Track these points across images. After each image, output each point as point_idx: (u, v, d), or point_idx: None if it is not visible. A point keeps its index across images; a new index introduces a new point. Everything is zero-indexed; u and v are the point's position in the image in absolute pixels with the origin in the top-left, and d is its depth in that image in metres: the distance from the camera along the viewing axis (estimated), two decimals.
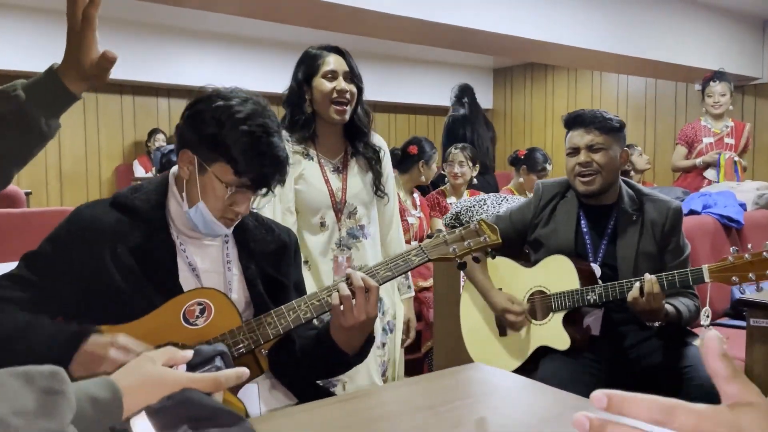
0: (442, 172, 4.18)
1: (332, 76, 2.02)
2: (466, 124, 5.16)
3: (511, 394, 1.06)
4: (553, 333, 2.09)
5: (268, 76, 5.31)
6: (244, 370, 0.90)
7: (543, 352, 2.10)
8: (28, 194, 4.26)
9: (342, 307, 1.27)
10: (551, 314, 2.10)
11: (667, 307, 1.93)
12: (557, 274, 2.09)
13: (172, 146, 5.11)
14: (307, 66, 2.06)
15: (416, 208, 3.69)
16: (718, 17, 5.95)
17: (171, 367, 0.85)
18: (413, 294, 2.38)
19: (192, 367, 0.88)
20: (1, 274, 1.33)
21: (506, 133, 8.81)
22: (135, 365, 0.85)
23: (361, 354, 1.40)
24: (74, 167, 6.37)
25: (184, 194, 1.36)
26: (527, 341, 2.16)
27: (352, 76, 2.06)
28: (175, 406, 0.67)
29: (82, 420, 0.69)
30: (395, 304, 2.27)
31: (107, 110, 6.67)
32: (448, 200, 3.82)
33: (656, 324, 1.96)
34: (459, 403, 0.99)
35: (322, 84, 2.02)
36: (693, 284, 1.90)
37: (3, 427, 0.59)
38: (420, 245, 1.36)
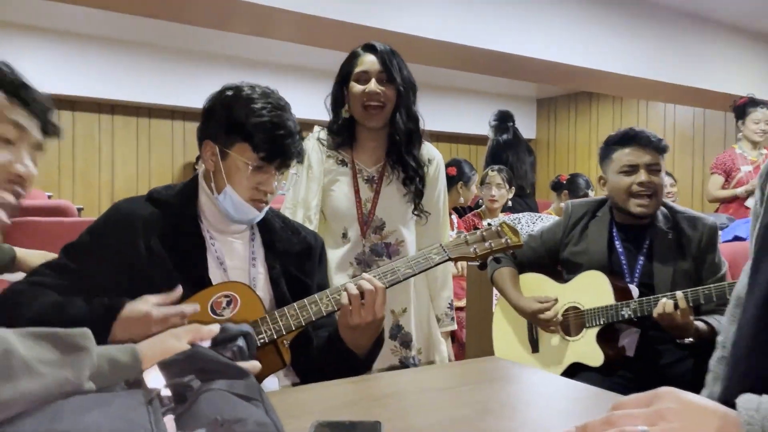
0: (479, 197, 4.17)
1: (364, 78, 1.91)
2: (510, 149, 5.18)
3: (524, 381, 1.06)
4: (586, 349, 2.06)
5: (312, 102, 5.44)
6: (256, 363, 0.94)
7: (576, 368, 2.07)
8: (80, 209, 4.44)
9: (350, 307, 1.29)
10: (584, 330, 2.07)
11: (699, 324, 1.89)
12: (591, 289, 2.06)
13: None
14: (343, 68, 1.96)
15: (453, 230, 3.69)
16: (765, 45, 5.83)
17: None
18: (455, 327, 2.14)
19: (216, 343, 0.92)
20: None
21: (549, 163, 8.75)
22: (159, 339, 0.90)
23: (370, 356, 1.41)
24: (126, 187, 6.61)
25: (212, 185, 1.42)
26: (560, 357, 2.13)
27: (389, 78, 1.90)
28: (185, 360, 0.70)
29: (100, 377, 0.73)
30: (428, 341, 2.06)
31: (159, 134, 6.93)
32: (484, 222, 3.82)
33: (687, 340, 1.91)
34: (470, 386, 0.99)
35: (353, 87, 1.92)
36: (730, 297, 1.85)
37: (29, 370, 0.64)
38: (441, 244, 1.37)
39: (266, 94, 1.40)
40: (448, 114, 8.14)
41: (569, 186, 4.15)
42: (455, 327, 2.13)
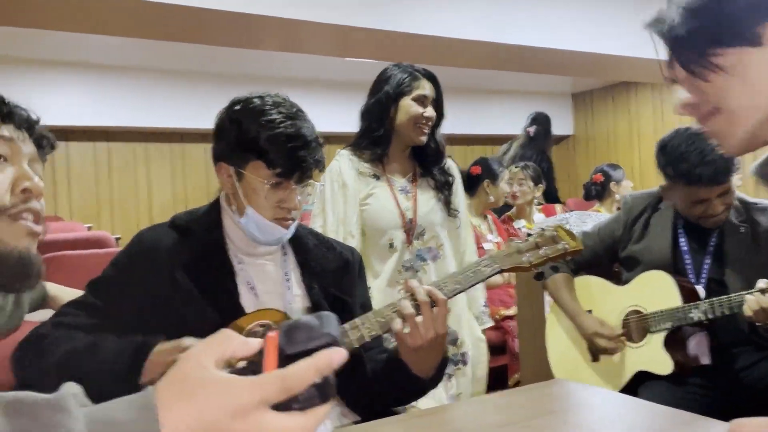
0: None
1: (423, 101, 2.03)
2: (536, 148, 5.03)
3: (599, 410, 0.92)
4: (652, 356, 1.89)
5: (343, 117, 5.39)
6: (341, 352, 0.57)
7: (642, 378, 1.91)
8: (117, 239, 4.45)
9: (407, 327, 1.17)
10: (648, 335, 1.91)
11: None
12: (655, 291, 1.90)
13: None
14: (400, 84, 2.04)
15: (492, 233, 3.50)
16: None
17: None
18: (492, 323, 2.30)
19: (287, 357, 0.56)
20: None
21: (589, 158, 8.49)
22: (178, 371, 0.59)
23: (436, 377, 1.28)
24: (163, 214, 6.63)
25: (234, 207, 1.34)
26: (623, 366, 1.97)
27: (437, 105, 2.07)
28: None
29: None
30: (472, 336, 2.18)
31: (193, 159, 6.95)
32: (516, 224, 3.60)
33: None
34: (539, 420, 0.86)
35: (412, 106, 2.02)
36: None
37: None
38: (491, 255, 1.25)
39: (277, 104, 1.29)
40: (483, 116, 7.97)
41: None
42: (492, 323, 2.27)
